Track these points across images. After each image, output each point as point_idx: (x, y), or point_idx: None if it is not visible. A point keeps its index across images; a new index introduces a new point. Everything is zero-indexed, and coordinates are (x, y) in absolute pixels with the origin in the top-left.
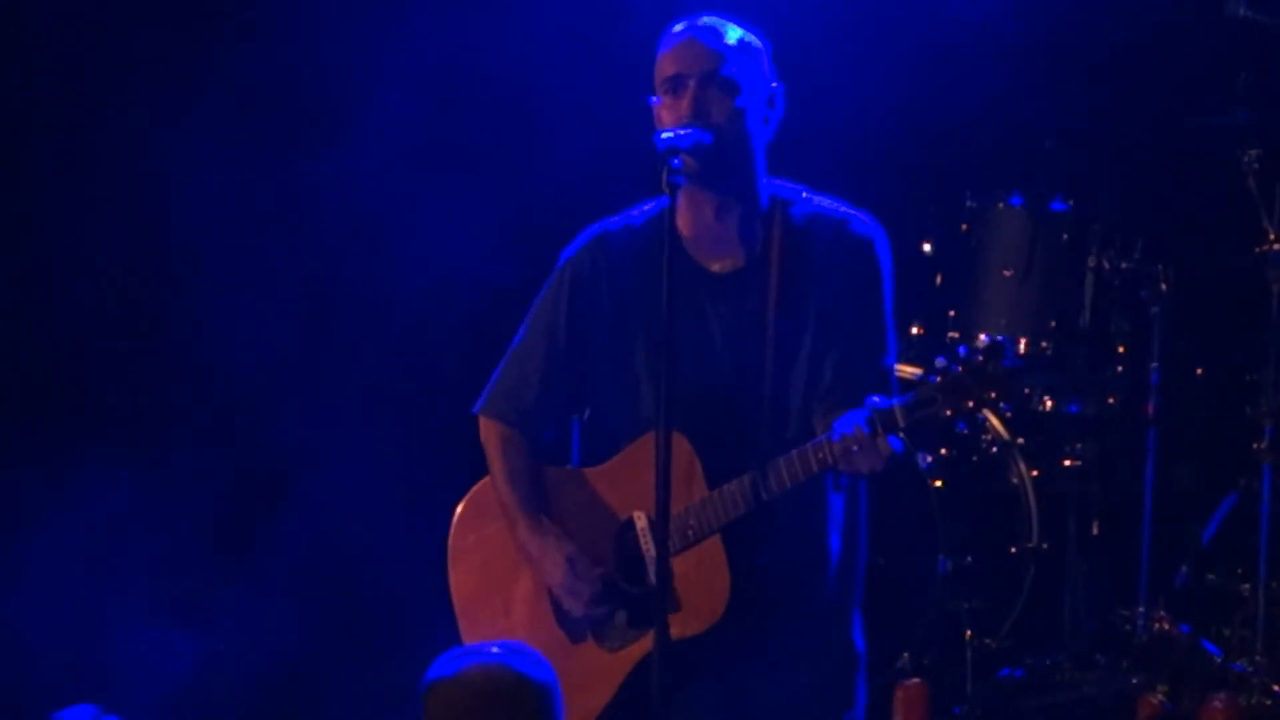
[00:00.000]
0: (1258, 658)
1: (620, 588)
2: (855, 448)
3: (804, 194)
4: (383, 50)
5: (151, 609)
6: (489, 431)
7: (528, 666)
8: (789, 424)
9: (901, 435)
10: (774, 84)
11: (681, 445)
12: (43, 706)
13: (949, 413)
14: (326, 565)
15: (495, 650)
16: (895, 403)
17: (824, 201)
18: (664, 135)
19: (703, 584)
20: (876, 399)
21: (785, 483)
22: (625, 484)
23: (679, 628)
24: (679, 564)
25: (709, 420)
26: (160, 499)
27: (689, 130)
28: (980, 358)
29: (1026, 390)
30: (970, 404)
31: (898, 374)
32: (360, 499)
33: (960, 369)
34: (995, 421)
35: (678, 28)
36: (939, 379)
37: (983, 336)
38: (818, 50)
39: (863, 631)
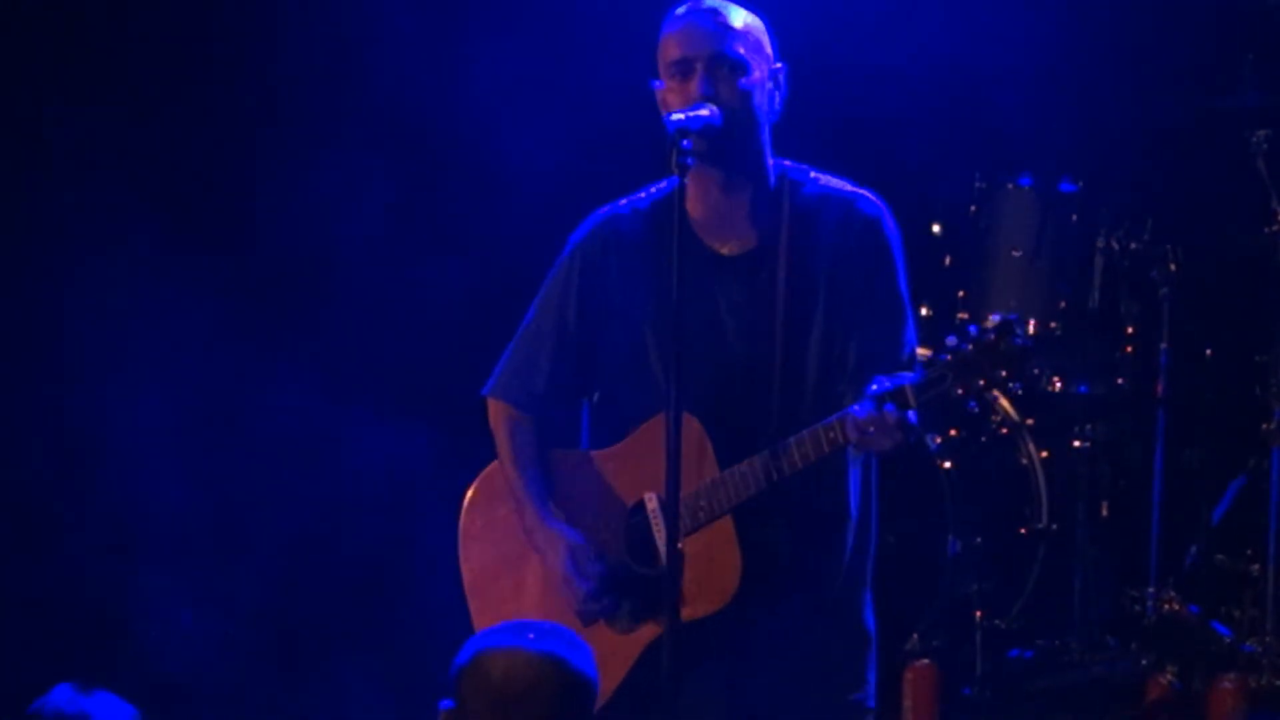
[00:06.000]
0: (1267, 638)
1: (631, 570)
2: (871, 428)
3: (811, 174)
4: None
5: (158, 592)
6: (497, 414)
7: (574, 656)
8: (801, 404)
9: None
10: (778, 63)
11: (692, 426)
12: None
13: (960, 391)
14: (336, 548)
15: (531, 636)
16: (906, 381)
17: (831, 181)
18: (674, 117)
19: (714, 565)
20: (888, 379)
21: (797, 464)
22: (635, 466)
23: (690, 609)
24: (690, 545)
25: (720, 401)
26: (166, 483)
27: (699, 112)
28: (991, 336)
29: (1035, 371)
30: (982, 382)
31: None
32: (371, 481)
33: (971, 347)
34: (1004, 402)
35: (680, 10)
36: (949, 357)
37: (993, 315)
38: (826, 31)
39: (872, 612)
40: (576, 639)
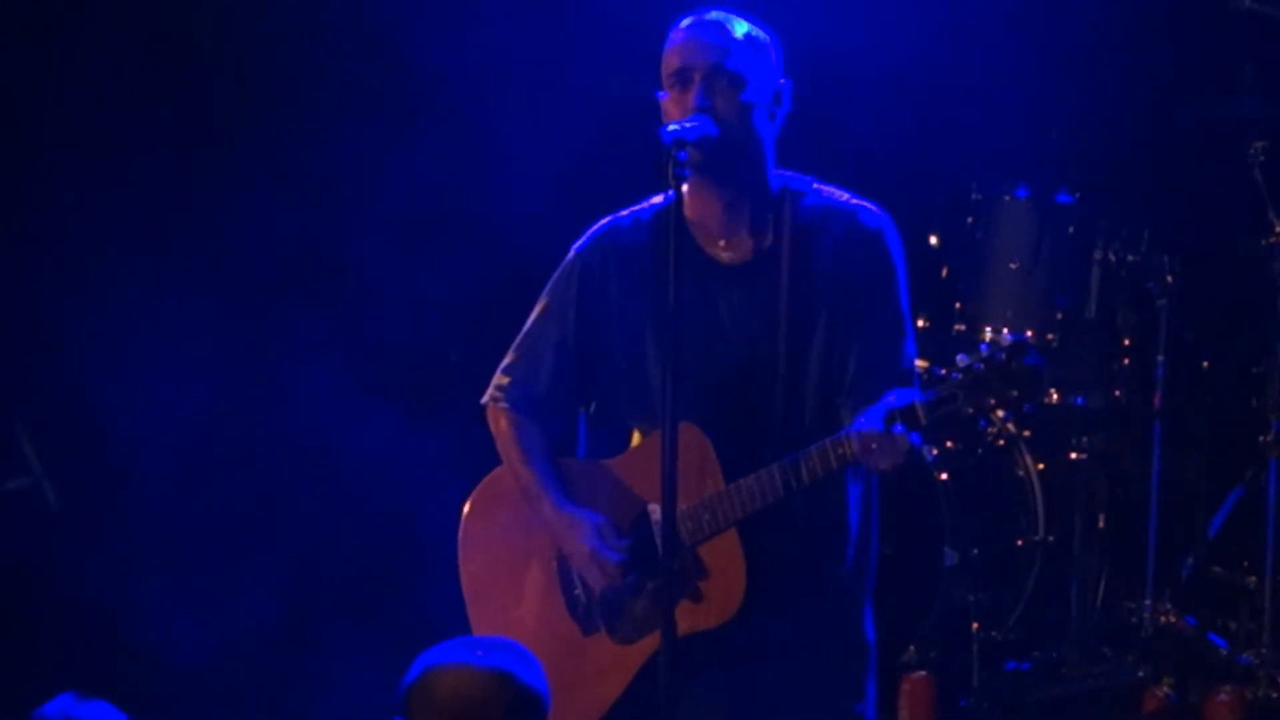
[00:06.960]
0: (1264, 650)
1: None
2: (875, 446)
3: (814, 185)
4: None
5: (159, 592)
6: (499, 420)
7: (523, 670)
8: (803, 415)
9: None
10: (781, 79)
11: (698, 438)
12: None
13: (971, 410)
14: (339, 549)
15: (480, 652)
16: (917, 399)
17: (834, 193)
18: (670, 128)
19: (719, 577)
20: (896, 395)
21: (805, 480)
22: (641, 476)
23: (694, 621)
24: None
25: (723, 413)
26: (166, 483)
27: (695, 123)
28: (1003, 355)
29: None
30: (993, 401)
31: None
32: (372, 488)
33: (983, 366)
34: (1010, 426)
35: (685, 22)
36: (961, 376)
37: (1006, 334)
38: (823, 42)
39: (873, 623)
40: (527, 653)
